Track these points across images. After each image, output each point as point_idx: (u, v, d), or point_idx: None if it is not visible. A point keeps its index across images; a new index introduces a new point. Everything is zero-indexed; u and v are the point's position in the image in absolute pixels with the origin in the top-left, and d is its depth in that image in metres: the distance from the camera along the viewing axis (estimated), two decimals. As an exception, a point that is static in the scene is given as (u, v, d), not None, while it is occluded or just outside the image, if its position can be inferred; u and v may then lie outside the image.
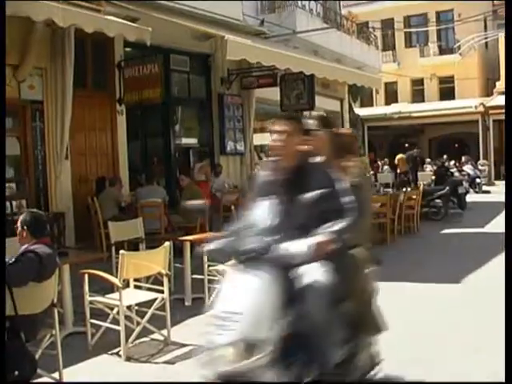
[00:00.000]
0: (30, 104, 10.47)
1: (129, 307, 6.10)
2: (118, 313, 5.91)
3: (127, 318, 6.01)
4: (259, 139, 21.07)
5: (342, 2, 22.97)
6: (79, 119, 11.33)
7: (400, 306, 7.66)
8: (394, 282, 9.01)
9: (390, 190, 16.35)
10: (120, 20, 9.41)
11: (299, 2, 16.67)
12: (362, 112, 30.87)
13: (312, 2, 17.44)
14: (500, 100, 31.25)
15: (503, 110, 25.52)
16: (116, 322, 5.96)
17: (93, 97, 11.92)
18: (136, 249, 8.53)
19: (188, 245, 7.96)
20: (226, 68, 14.96)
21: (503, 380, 4.10)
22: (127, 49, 12.42)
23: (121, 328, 5.82)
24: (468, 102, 31.82)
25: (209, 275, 7.75)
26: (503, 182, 27.87)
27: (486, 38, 34.32)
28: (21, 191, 9.72)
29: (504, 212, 15.94)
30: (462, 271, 9.47)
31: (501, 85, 33.41)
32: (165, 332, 6.28)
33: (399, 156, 24.94)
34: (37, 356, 4.96)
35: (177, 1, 11.99)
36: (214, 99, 15.07)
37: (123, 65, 12.22)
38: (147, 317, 6.06)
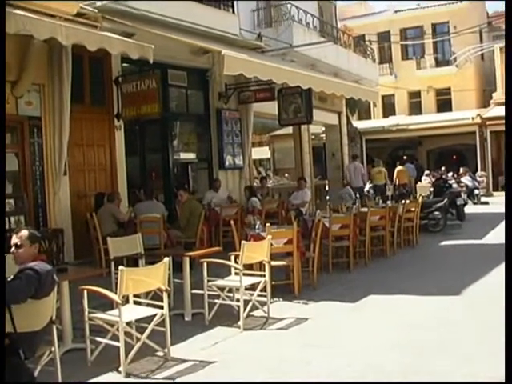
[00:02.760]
0: (28, 120, 10.48)
1: (128, 323, 6.07)
2: (117, 329, 5.88)
3: (127, 334, 5.99)
4: (258, 153, 21.16)
5: (338, 16, 23.08)
6: (77, 135, 11.34)
7: (400, 319, 7.66)
8: (393, 294, 9.02)
9: (389, 202, 16.32)
10: (122, 38, 9.44)
11: (296, 16, 16.73)
12: (359, 125, 30.92)
13: (308, 16, 17.51)
14: (497, 111, 31.35)
15: (500, 121, 25.63)
16: (116, 338, 5.93)
17: (91, 112, 11.93)
18: (135, 264, 8.52)
19: (187, 260, 7.95)
20: (224, 83, 15.01)
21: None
22: (124, 64, 12.45)
23: (120, 344, 5.79)
24: (465, 114, 31.89)
25: (208, 290, 7.73)
26: (501, 193, 27.92)
27: (481, 50, 34.46)
28: (19, 207, 9.69)
29: (504, 223, 15.95)
30: (461, 283, 9.45)
31: (497, 96, 33.54)
32: (165, 348, 6.25)
33: (398, 168, 24.95)
34: (36, 373, 4.93)
35: (173, 16, 12.05)
36: (212, 114, 15.09)
37: (121, 80, 12.24)
38: (147, 333, 6.04)
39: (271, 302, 8.12)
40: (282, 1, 16.98)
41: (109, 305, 6.55)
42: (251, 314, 7.82)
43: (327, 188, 22.68)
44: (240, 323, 7.38)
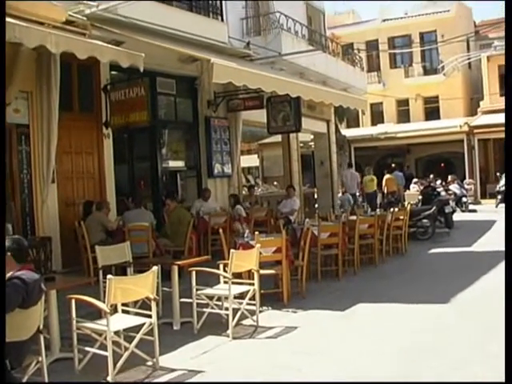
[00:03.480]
0: (16, 128, 10.43)
1: (116, 332, 6.04)
2: (105, 338, 5.85)
3: (115, 343, 5.95)
4: (246, 161, 21.16)
5: (326, 25, 23.16)
6: (65, 143, 11.30)
7: (389, 327, 7.66)
8: (383, 302, 9.02)
9: (377, 210, 16.35)
10: (113, 46, 9.43)
11: (284, 25, 16.77)
12: (348, 133, 31.02)
13: (297, 25, 17.56)
14: (484, 119, 31.59)
15: (488, 130, 25.73)
16: (104, 347, 5.89)
17: (79, 120, 11.89)
18: (124, 273, 8.49)
19: (176, 269, 7.92)
20: (213, 91, 14.99)
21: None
22: (113, 72, 12.42)
23: (108, 354, 5.75)
24: (453, 122, 32.07)
25: (197, 299, 7.71)
26: (490, 201, 28.09)
27: (469, 59, 34.66)
28: (7, 215, 9.63)
29: (491, 231, 15.91)
30: (450, 291, 9.47)
31: (484, 104, 33.78)
32: (153, 357, 6.21)
33: (387, 176, 25.01)
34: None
35: (162, 24, 12.05)
36: (201, 122, 15.08)
37: (109, 88, 12.21)
38: (135, 342, 6.00)
39: (260, 311, 8.10)
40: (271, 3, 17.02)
41: (97, 314, 6.51)
42: (240, 322, 7.79)
43: (316, 196, 22.69)
44: (229, 332, 7.36)
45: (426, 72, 36.73)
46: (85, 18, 10.42)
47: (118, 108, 12.08)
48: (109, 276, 5.96)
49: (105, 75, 12.19)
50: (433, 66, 36.65)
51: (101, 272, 8.15)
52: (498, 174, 28.74)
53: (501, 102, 32.84)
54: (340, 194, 22.47)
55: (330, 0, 34.22)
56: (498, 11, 69.43)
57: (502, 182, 26.73)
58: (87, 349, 6.13)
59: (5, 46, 6.73)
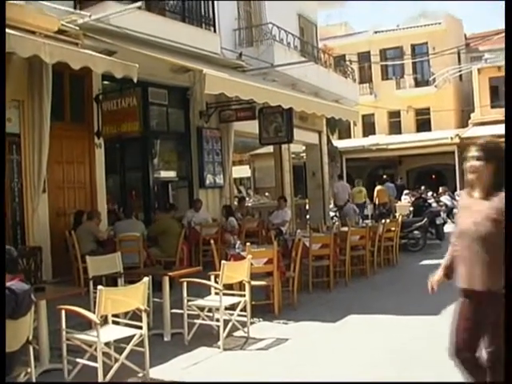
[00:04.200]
0: (7, 137, 10.37)
1: (107, 343, 6.00)
2: (95, 349, 5.81)
3: (105, 354, 5.92)
4: (238, 172, 21.15)
5: (318, 36, 23.23)
6: (57, 152, 11.27)
7: (380, 338, 7.65)
8: (374, 314, 9.01)
9: (369, 221, 16.36)
10: (107, 56, 9.42)
11: (277, 36, 16.81)
12: (340, 144, 31.07)
13: (289, 36, 17.60)
14: (475, 131, 31.70)
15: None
16: (94, 358, 5.85)
17: (71, 130, 11.86)
18: (114, 283, 8.45)
19: (167, 279, 7.89)
20: (205, 101, 15.00)
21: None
22: (105, 82, 12.41)
23: (98, 365, 5.72)
24: (444, 134, 32.21)
25: (188, 310, 7.68)
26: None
27: (460, 71, 34.86)
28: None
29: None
30: (441, 302, 9.44)
31: (475, 116, 33.94)
32: (144, 368, 6.18)
33: (378, 187, 25.05)
34: (12, 394, 4.85)
35: (155, 34, 12.07)
36: (193, 132, 15.07)
37: (101, 98, 12.20)
38: (125, 353, 5.96)
39: (251, 322, 8.08)
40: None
41: (87, 324, 6.47)
42: (231, 334, 7.76)
43: (307, 207, 22.70)
44: (220, 343, 7.33)
45: (418, 84, 36.91)
46: (77, 28, 10.41)
47: (109, 118, 12.06)
48: (99, 287, 5.93)
49: (97, 85, 12.19)
50: (424, 77, 36.84)
51: (91, 282, 8.10)
52: (488, 185, 28.81)
53: (491, 114, 33.10)
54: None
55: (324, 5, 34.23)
56: (489, 24, 69.93)
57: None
58: (77, 360, 6.09)
59: (5, 48, 6.69)
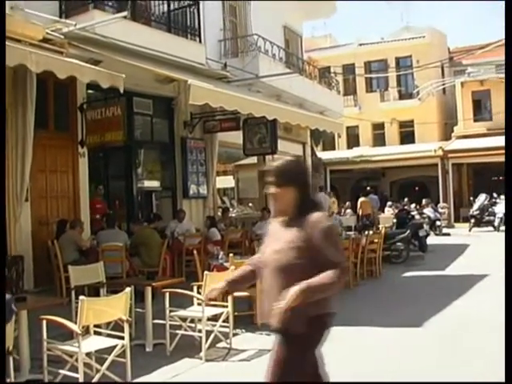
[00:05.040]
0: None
1: (88, 354, 5.96)
2: (76, 360, 5.77)
3: (86, 365, 5.88)
4: (222, 182, 21.11)
5: (303, 48, 23.34)
6: (40, 161, 11.22)
7: (362, 350, 7.65)
8: (356, 326, 9.01)
9: (352, 233, 16.40)
10: (93, 66, 9.41)
11: (262, 47, 16.88)
12: (324, 156, 31.17)
13: (275, 47, 17.67)
14: (458, 144, 31.97)
15: (461, 154, 26.03)
16: (75, 369, 5.81)
17: (54, 138, 11.83)
18: (97, 293, 8.41)
19: (149, 290, 7.87)
20: (189, 111, 15.01)
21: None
22: (90, 91, 12.40)
23: (79, 375, 5.68)
24: (427, 146, 32.41)
25: (170, 320, 7.65)
26: (463, 225, 28.33)
27: (443, 84, 35.13)
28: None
29: (464, 254, 16.01)
30: (423, 315, 9.50)
31: (458, 129, 34.20)
32: (125, 379, 6.14)
33: (362, 199, 25.13)
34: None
35: (140, 44, 12.07)
36: (177, 142, 15.08)
37: (85, 107, 12.18)
38: (107, 364, 5.93)
39: (234, 333, 8.06)
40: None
41: (68, 335, 6.44)
42: (214, 344, 7.74)
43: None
44: (202, 354, 7.31)
45: (402, 96, 37.12)
46: (62, 37, 10.40)
47: (93, 127, 12.05)
48: (81, 297, 5.90)
49: (81, 94, 12.17)
50: (408, 90, 37.05)
51: (73, 292, 8.07)
52: (471, 198, 29.05)
53: (474, 128, 33.39)
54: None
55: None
56: (472, 38, 70.55)
57: (476, 206, 27.05)
58: (58, 370, 6.05)
59: (5, 47, 6.65)
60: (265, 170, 4.00)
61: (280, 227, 3.88)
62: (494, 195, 27.52)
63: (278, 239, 3.82)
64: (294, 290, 3.52)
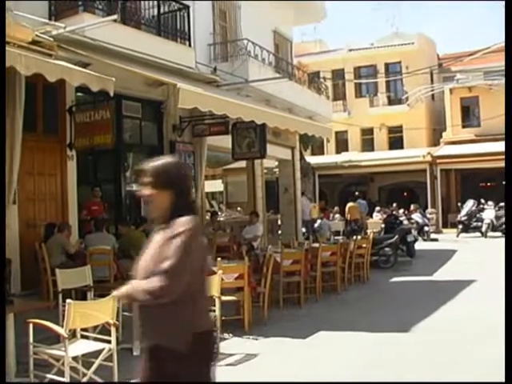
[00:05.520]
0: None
1: (75, 358, 5.94)
2: (63, 364, 5.74)
3: (73, 369, 5.85)
4: (211, 186, 21.12)
5: (293, 53, 23.37)
6: (28, 163, 11.16)
7: (350, 355, 7.67)
8: (344, 331, 9.04)
9: (340, 238, 16.44)
10: (83, 69, 9.37)
11: (252, 52, 16.89)
12: (313, 160, 31.22)
13: (264, 52, 17.69)
14: (447, 150, 32.11)
15: (450, 160, 26.21)
16: (61, 373, 5.79)
17: (43, 141, 11.78)
18: (84, 297, 8.37)
19: (137, 293, 7.82)
20: (178, 115, 14.99)
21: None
22: (79, 94, 12.36)
23: (66, 379, 5.66)
24: (416, 152, 32.54)
25: (158, 324, 7.61)
26: (451, 230, 28.45)
27: (432, 90, 35.33)
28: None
29: (451, 260, 16.11)
30: (410, 319, 9.53)
31: (447, 135, 34.37)
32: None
33: (350, 204, 25.19)
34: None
35: (129, 47, 12.05)
36: (166, 146, 15.04)
37: (74, 110, 12.14)
38: (93, 368, 5.90)
39: (221, 338, 8.05)
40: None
41: (55, 338, 6.40)
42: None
43: (279, 223, 22.75)
44: (189, 358, 7.27)
45: (391, 102, 37.26)
46: (51, 39, 10.35)
47: (82, 130, 12.01)
48: (68, 300, 5.87)
49: (70, 96, 12.13)
50: (397, 96, 37.20)
51: (60, 296, 8.03)
52: (459, 204, 29.18)
53: (462, 134, 33.55)
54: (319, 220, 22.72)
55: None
56: (461, 45, 70.90)
57: (463, 211, 27.17)
58: (44, 374, 6.02)
59: (5, 46, 6.61)
60: (140, 170, 3.65)
61: (155, 234, 3.57)
62: (482, 201, 27.67)
63: (149, 247, 3.55)
64: (124, 288, 3.50)
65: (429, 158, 31.65)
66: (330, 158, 35.84)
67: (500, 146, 29.18)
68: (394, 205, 28.76)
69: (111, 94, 9.37)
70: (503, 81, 32.47)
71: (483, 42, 39.77)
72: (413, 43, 36.30)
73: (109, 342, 6.07)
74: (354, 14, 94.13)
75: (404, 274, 15.48)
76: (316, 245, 13.07)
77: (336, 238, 16.50)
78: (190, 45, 14.39)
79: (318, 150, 36.83)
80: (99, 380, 6.01)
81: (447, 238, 26.21)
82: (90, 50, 11.10)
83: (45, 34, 10.32)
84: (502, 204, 27.45)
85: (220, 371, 7.16)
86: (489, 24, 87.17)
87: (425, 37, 37.83)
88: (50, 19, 11.26)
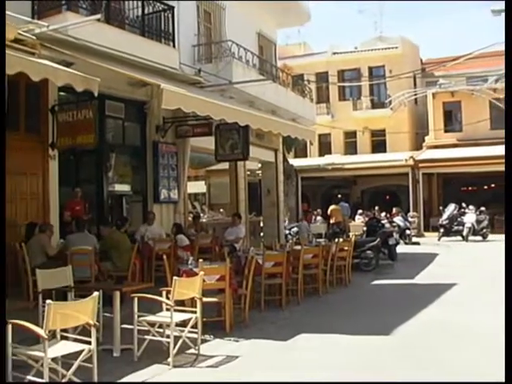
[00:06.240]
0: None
1: (54, 359, 5.89)
2: (42, 365, 5.70)
3: (52, 370, 5.81)
4: (193, 187, 21.05)
5: (277, 55, 23.39)
6: (9, 163, 11.03)
7: (330, 358, 7.67)
8: (325, 333, 9.05)
9: (322, 240, 16.46)
10: (68, 69, 9.29)
11: (236, 53, 16.88)
12: (296, 163, 31.27)
13: (249, 54, 17.69)
14: (429, 154, 32.30)
15: (432, 164, 26.47)
16: (40, 374, 5.74)
17: (24, 140, 11.68)
18: (65, 297, 8.32)
19: (118, 294, 7.81)
20: (162, 116, 14.95)
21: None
22: (61, 93, 12.28)
23: (45, 381, 5.61)
24: (398, 155, 32.70)
25: (139, 326, 7.60)
26: (432, 234, 28.59)
27: (415, 95, 35.52)
28: None
29: (433, 264, 16.19)
30: (392, 322, 9.55)
31: (429, 139, 34.57)
32: (91, 385, 6.09)
33: (333, 207, 25.22)
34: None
35: (113, 47, 12.01)
36: (149, 147, 15.00)
37: (57, 109, 12.06)
38: (73, 369, 5.86)
39: (202, 339, 8.04)
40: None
41: (35, 339, 6.35)
42: (184, 351, 7.70)
43: (262, 224, 22.75)
44: (169, 360, 7.27)
45: (374, 106, 37.43)
46: (34, 38, 10.28)
47: (65, 129, 11.92)
48: (48, 301, 5.83)
49: (53, 96, 12.05)
50: (380, 99, 37.39)
51: (40, 296, 7.98)
52: (440, 207, 29.34)
53: (445, 138, 33.78)
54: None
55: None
56: (444, 50, 71.37)
57: (445, 215, 27.34)
58: (22, 376, 5.97)
59: (5, 47, 6.53)
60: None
61: None
62: (463, 205, 27.83)
63: None
64: None
65: (411, 162, 31.80)
66: (313, 160, 35.92)
67: (481, 151, 29.52)
68: (376, 208, 28.85)
69: (96, 95, 9.28)
70: (485, 86, 32.85)
71: (466, 47, 40.14)
72: (396, 47, 36.51)
73: (89, 342, 6.04)
74: (338, 17, 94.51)
75: (385, 277, 15.52)
76: (298, 247, 13.07)
77: (318, 240, 16.47)
78: (174, 46, 14.36)
79: (301, 152, 36.92)
80: (78, 381, 5.97)
81: (429, 242, 26.34)
82: (73, 49, 11.03)
83: (28, 33, 10.25)
84: (483, 208, 27.72)
85: (201, 373, 7.20)
86: (472, 30, 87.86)
87: (408, 41, 38.06)
88: (33, 18, 11.20)
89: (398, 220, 25.70)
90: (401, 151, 33.79)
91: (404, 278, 15.09)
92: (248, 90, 16.77)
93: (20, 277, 10.43)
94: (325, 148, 38.21)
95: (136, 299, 7.62)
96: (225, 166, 19.76)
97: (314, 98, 26.68)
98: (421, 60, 39.74)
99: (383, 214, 27.30)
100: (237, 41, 17.01)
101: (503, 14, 18.94)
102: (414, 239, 26.42)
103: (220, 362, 7.51)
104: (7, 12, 9.85)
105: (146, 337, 7.64)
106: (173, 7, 14.15)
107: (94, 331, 6.05)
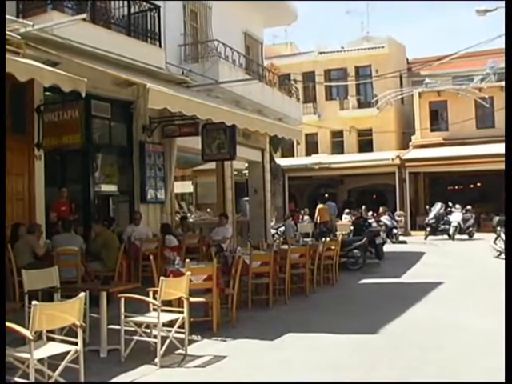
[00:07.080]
0: None
1: (40, 360, 5.86)
2: (28, 366, 5.66)
3: (38, 371, 5.78)
4: (180, 187, 21.03)
5: (264, 55, 23.38)
6: (-5, 163, 11.01)
7: (318, 357, 7.68)
8: (312, 332, 9.06)
9: (309, 239, 16.47)
10: (55, 69, 9.23)
11: (222, 53, 16.87)
12: (283, 162, 31.28)
13: (235, 53, 17.68)
14: (415, 153, 32.42)
15: (418, 163, 26.62)
16: (26, 375, 5.71)
17: (10, 140, 11.59)
18: (51, 298, 8.28)
19: (104, 295, 7.78)
20: (148, 116, 14.91)
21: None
22: (47, 93, 12.22)
23: (30, 382, 5.57)
24: (385, 155, 32.76)
25: (125, 326, 7.58)
26: (419, 233, 28.71)
27: (401, 94, 35.63)
28: None
29: (420, 263, 16.25)
30: (379, 321, 9.58)
31: (416, 139, 34.70)
32: (78, 386, 6.06)
33: (320, 206, 25.24)
34: None
35: (99, 47, 11.96)
36: (136, 147, 14.95)
37: (43, 109, 12.00)
38: (59, 370, 5.83)
39: (189, 339, 8.02)
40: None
41: (21, 340, 6.31)
42: (172, 351, 7.69)
43: (249, 224, 22.74)
44: (157, 360, 7.25)
45: (361, 105, 37.50)
46: (19, 37, 10.22)
47: (50, 129, 11.88)
48: (34, 302, 5.80)
49: (38, 95, 11.98)
50: (367, 99, 37.46)
51: (27, 297, 7.93)
52: (427, 206, 29.45)
53: (431, 137, 33.91)
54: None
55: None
56: (430, 50, 71.69)
57: (431, 214, 27.45)
58: (8, 377, 5.93)
59: (5, 49, 6.48)
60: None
61: None
62: (450, 204, 27.95)
63: None
64: None
65: (398, 161, 31.88)
66: (299, 160, 35.94)
67: (467, 150, 29.67)
68: (363, 207, 28.94)
69: (83, 95, 9.24)
70: (470, 85, 33.03)
71: (452, 47, 40.33)
72: (383, 47, 36.59)
73: (75, 343, 6.01)
74: (324, 17, 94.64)
75: (372, 276, 15.57)
76: (285, 246, 13.07)
77: (305, 239, 16.50)
78: (160, 45, 14.33)
79: (288, 152, 36.93)
80: (65, 382, 5.94)
81: (415, 241, 26.44)
82: (58, 48, 10.98)
83: (12, 32, 10.18)
84: (469, 207, 27.87)
85: (188, 372, 7.19)
86: (458, 30, 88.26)
87: (394, 41, 38.16)
88: (17, 17, 11.14)
89: (385, 219, 25.78)
90: (387, 150, 33.86)
91: (391, 276, 15.14)
92: (234, 90, 16.76)
93: (5, 278, 10.35)
94: (312, 147, 38.25)
95: (123, 299, 7.60)
96: (212, 165, 19.74)
97: (300, 97, 26.70)
98: (407, 60, 39.87)
99: (370, 214, 27.35)
100: (223, 40, 17.00)
101: (489, 14, 19.11)
102: (401, 238, 26.50)
103: (207, 362, 7.50)
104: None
105: (133, 337, 7.62)
106: (159, 7, 14.12)
107: (80, 332, 6.02)
